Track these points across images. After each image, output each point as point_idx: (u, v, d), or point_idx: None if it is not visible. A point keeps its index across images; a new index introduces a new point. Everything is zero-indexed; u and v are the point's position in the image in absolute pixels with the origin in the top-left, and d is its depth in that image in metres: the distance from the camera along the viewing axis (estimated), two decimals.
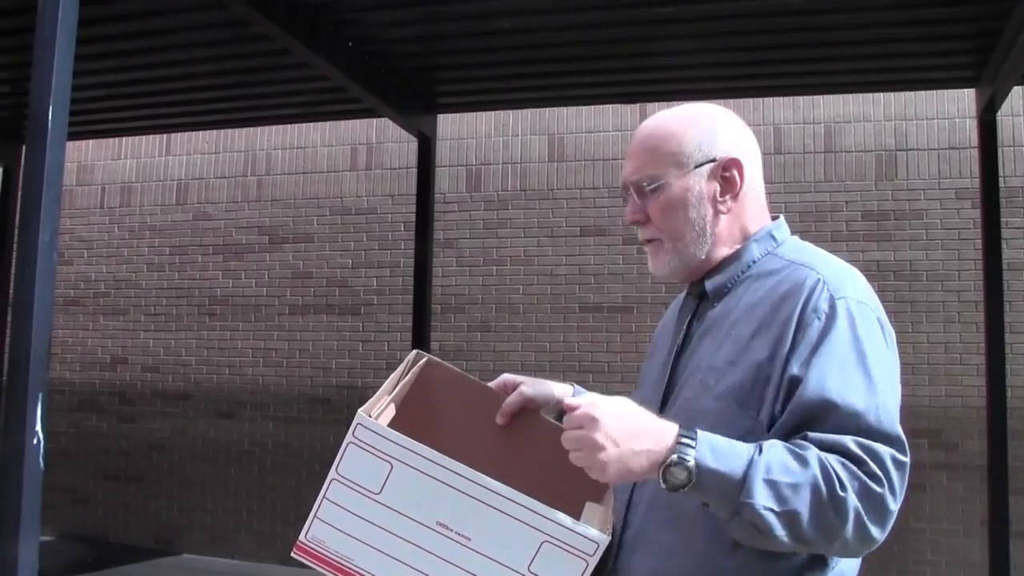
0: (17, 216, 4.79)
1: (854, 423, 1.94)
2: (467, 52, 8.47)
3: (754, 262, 2.34)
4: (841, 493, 1.86)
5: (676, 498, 1.98)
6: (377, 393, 2.28)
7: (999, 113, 8.38)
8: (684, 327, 2.42)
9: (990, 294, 8.20)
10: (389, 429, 2.07)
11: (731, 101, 9.16)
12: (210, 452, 11.01)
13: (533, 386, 2.58)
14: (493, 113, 10.49)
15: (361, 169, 10.94)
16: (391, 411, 2.21)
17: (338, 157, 11.04)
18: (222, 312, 11.23)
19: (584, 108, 10.17)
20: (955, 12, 7.20)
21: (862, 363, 2.02)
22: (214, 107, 10.01)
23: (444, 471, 2.05)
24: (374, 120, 10.66)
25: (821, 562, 2.06)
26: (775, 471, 1.89)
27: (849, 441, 1.92)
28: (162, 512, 11.17)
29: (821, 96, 9.57)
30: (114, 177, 11.88)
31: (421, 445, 2.06)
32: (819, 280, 2.14)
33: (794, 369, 2.04)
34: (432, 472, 2.05)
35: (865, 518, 1.88)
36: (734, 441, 1.96)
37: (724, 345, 2.21)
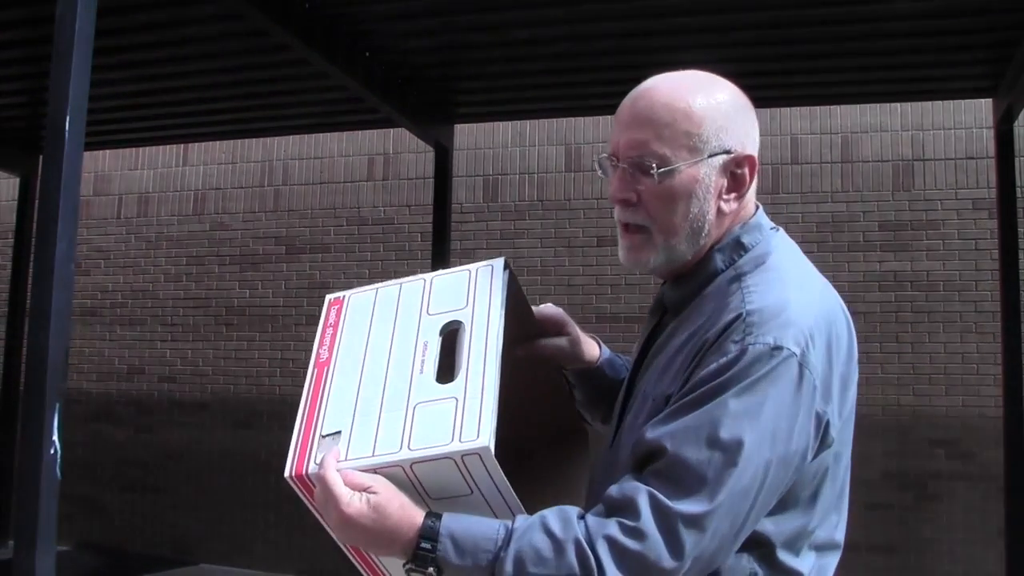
0: (35, 226, 4.78)
1: (674, 472, 1.78)
2: (484, 62, 8.48)
3: (716, 273, 2.07)
4: None
5: None
6: (468, 333, 2.05)
7: (1016, 123, 8.37)
8: (643, 341, 2.27)
9: (1007, 304, 8.18)
10: (503, 477, 1.85)
11: None
12: (227, 462, 11.01)
13: (573, 342, 2.45)
14: (510, 123, 10.49)
15: (378, 179, 10.95)
16: (493, 419, 1.90)
17: (355, 167, 11.05)
18: (239, 322, 11.24)
19: (601, 118, 10.15)
20: (972, 22, 7.19)
21: (727, 417, 1.78)
22: (231, 117, 10.03)
23: (507, 512, 1.90)
24: (391, 130, 10.66)
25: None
26: (527, 563, 1.76)
27: (643, 494, 1.77)
28: (179, 522, 11.17)
29: (838, 106, 9.55)
30: (131, 187, 11.90)
31: (516, 498, 1.89)
32: (739, 315, 1.89)
33: (671, 393, 1.92)
34: (498, 509, 1.90)
35: None
36: (484, 523, 1.84)
37: (665, 374, 2.02)
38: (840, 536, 2.07)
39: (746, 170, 2.07)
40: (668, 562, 1.73)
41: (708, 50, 7.80)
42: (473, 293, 2.10)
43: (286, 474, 2.09)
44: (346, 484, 1.91)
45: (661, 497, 1.76)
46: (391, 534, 1.87)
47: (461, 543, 1.82)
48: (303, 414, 2.15)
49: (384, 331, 2.14)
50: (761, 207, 2.17)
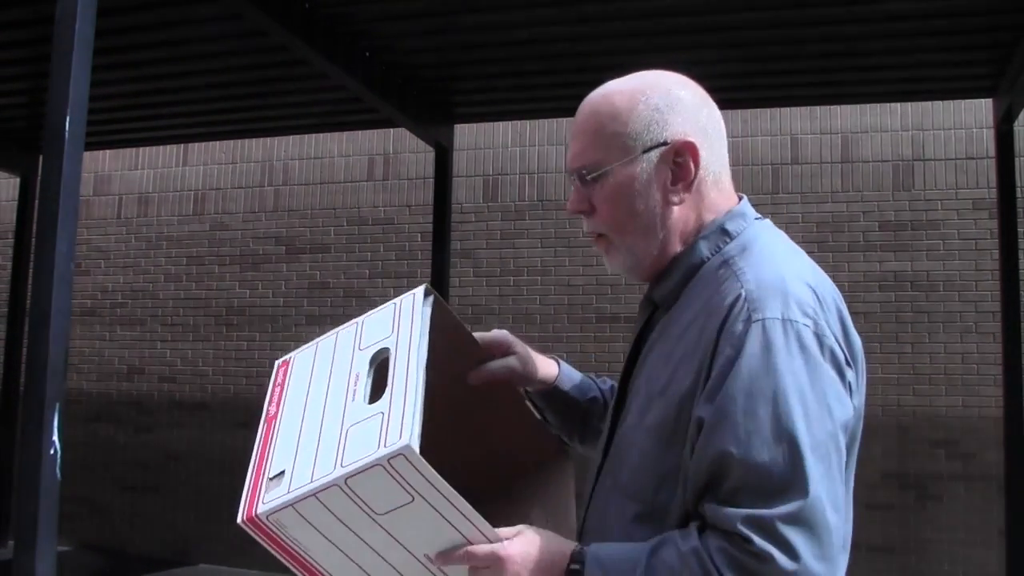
0: (34, 226, 4.78)
1: (755, 479, 1.75)
2: (484, 62, 8.48)
3: (702, 262, 2.04)
4: None
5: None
6: (394, 356, 2.07)
7: (1016, 123, 8.37)
8: (633, 343, 2.24)
9: (1007, 304, 8.19)
10: (435, 474, 1.86)
11: (748, 111, 9.19)
12: (227, 462, 11.00)
13: (523, 360, 2.41)
14: (510, 123, 10.49)
15: (378, 179, 10.95)
16: (417, 418, 1.92)
17: (355, 167, 11.05)
18: (239, 322, 11.24)
19: None
20: (972, 23, 7.20)
21: (771, 402, 1.77)
22: (231, 117, 10.05)
23: (463, 520, 1.92)
24: (391, 130, 10.67)
25: None
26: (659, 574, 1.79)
27: (740, 520, 1.73)
28: (179, 523, 11.17)
29: (838, 106, 9.55)
30: (131, 187, 11.90)
31: (459, 497, 1.89)
32: (739, 296, 1.87)
33: (699, 410, 1.86)
34: (451, 518, 1.91)
35: None
36: (630, 547, 1.87)
37: (663, 367, 2.01)
38: (850, 535, 2.00)
39: (688, 157, 2.03)
40: (789, 565, 1.71)
41: (708, 50, 7.82)
42: (398, 321, 2.12)
43: (239, 520, 2.04)
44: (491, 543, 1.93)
45: (756, 512, 1.74)
46: (552, 563, 1.90)
47: (607, 566, 1.85)
48: (253, 463, 2.17)
49: (323, 376, 2.16)
50: (745, 197, 2.15)
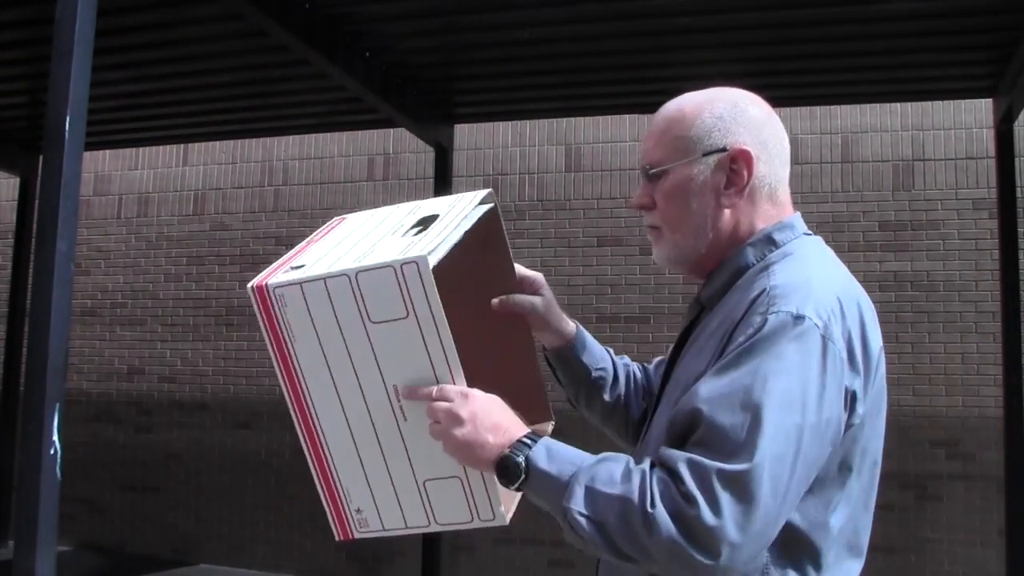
0: (34, 226, 4.78)
1: (713, 437, 1.83)
2: (484, 62, 8.48)
3: (748, 267, 2.16)
4: (650, 509, 1.80)
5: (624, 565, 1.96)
6: (441, 217, 2.24)
7: (1016, 123, 8.37)
8: (679, 338, 2.35)
9: (1007, 304, 8.20)
10: (436, 293, 1.99)
11: None
12: (227, 462, 11.01)
13: (548, 307, 2.57)
14: (510, 123, 10.48)
15: (378, 179, 10.94)
16: (444, 249, 2.10)
17: (355, 167, 11.05)
18: (239, 322, 11.23)
19: (601, 118, 10.16)
20: (972, 22, 7.20)
21: (753, 375, 1.85)
22: (231, 117, 10.05)
23: (442, 357, 2.04)
24: (391, 130, 10.67)
25: None
26: (598, 480, 1.89)
27: (682, 460, 1.83)
28: (179, 522, 11.18)
29: (838, 106, 9.55)
30: (131, 187, 11.90)
31: (447, 329, 2.02)
32: (764, 290, 1.99)
33: (704, 370, 2.00)
34: (432, 350, 2.03)
35: (679, 538, 1.78)
36: (581, 452, 1.99)
37: (695, 361, 2.11)
38: (865, 541, 2.09)
39: (743, 165, 2.16)
40: (710, 519, 1.77)
41: (709, 50, 7.82)
42: (454, 203, 2.32)
43: (249, 285, 2.20)
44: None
45: (699, 458, 1.82)
46: (508, 429, 2.04)
47: (555, 453, 1.98)
48: (282, 260, 2.31)
49: (373, 224, 2.41)
50: (799, 214, 2.28)
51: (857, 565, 2.06)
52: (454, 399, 2.03)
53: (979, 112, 9.23)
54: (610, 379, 2.65)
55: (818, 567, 1.98)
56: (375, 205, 9.14)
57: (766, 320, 1.90)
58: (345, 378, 2.13)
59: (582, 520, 1.88)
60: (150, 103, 9.57)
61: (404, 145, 10.77)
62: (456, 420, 2.02)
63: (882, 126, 9.54)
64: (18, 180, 11.52)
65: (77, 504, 11.14)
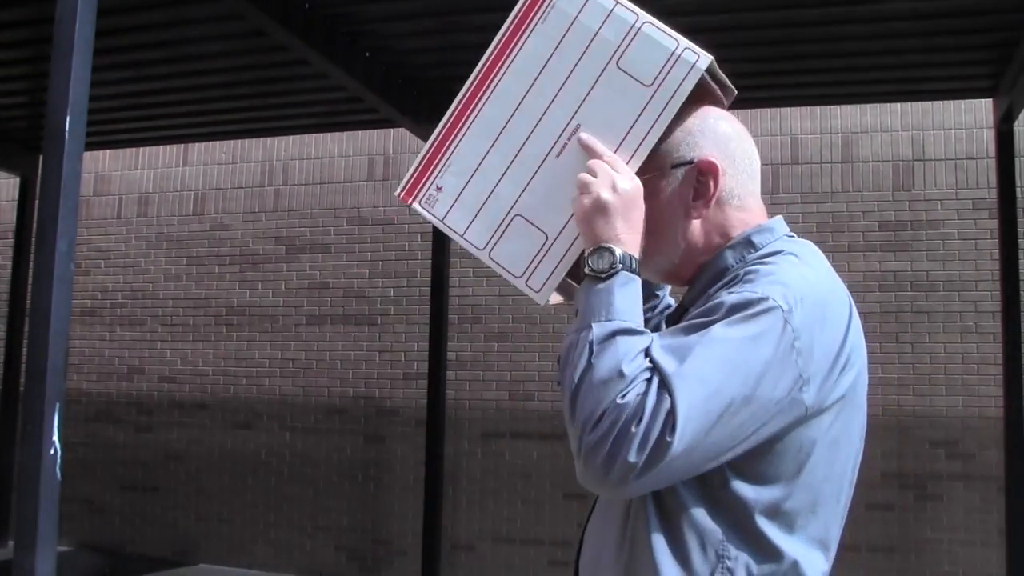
0: (34, 226, 4.79)
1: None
2: None
3: (727, 269, 2.15)
4: (619, 400, 1.84)
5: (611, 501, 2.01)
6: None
7: (1016, 123, 8.37)
8: None
9: (1007, 304, 8.20)
10: (687, 93, 2.08)
11: (748, 111, 9.19)
12: (227, 462, 11.02)
13: None
14: None
15: (378, 179, 10.94)
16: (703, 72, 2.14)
17: (355, 167, 11.05)
18: (239, 322, 11.24)
19: None
20: (972, 23, 7.20)
21: (704, 341, 1.87)
22: (231, 117, 10.05)
23: (637, 142, 2.10)
24: (391, 130, 10.67)
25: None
26: (621, 342, 1.92)
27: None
28: (179, 522, 11.18)
29: (838, 106, 9.55)
30: (131, 187, 11.90)
31: (664, 127, 2.09)
32: (736, 276, 2.06)
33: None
34: (638, 127, 2.09)
35: (610, 436, 1.82)
36: (640, 309, 2.03)
37: None
38: (832, 536, 2.07)
39: (709, 178, 2.16)
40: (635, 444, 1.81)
41: (708, 50, 7.80)
42: (663, 76, 2.16)
43: None
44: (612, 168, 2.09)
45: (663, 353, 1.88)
46: (634, 235, 2.07)
47: (630, 291, 2.02)
48: None
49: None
50: (780, 218, 2.26)
51: (821, 559, 2.03)
52: (622, 173, 2.07)
53: (979, 112, 9.22)
54: (661, 305, 2.65)
55: (774, 550, 1.96)
56: (375, 205, 9.14)
57: (729, 298, 1.93)
58: (544, 89, 2.17)
59: (585, 345, 1.93)
60: (150, 103, 9.57)
61: (404, 145, 10.76)
62: (610, 187, 2.04)
63: (882, 126, 9.54)
64: (18, 180, 11.52)
65: (77, 504, 11.15)
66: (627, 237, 2.04)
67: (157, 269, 11.66)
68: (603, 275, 2.00)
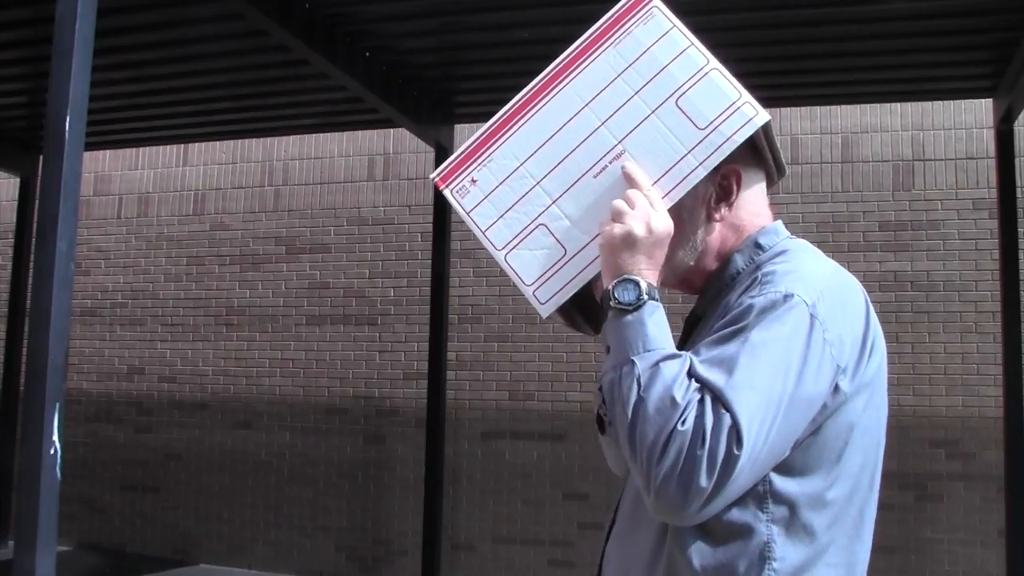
0: (34, 226, 4.79)
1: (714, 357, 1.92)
2: (485, 62, 8.48)
3: (738, 273, 2.21)
4: (680, 428, 1.84)
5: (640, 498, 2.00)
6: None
7: (1016, 123, 8.37)
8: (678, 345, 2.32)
9: (1007, 304, 8.20)
10: (735, 146, 2.11)
11: None
12: (227, 462, 11.02)
13: None
14: None
15: (378, 179, 10.94)
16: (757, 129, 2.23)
17: (355, 167, 11.05)
18: (239, 322, 11.24)
19: None
20: (972, 23, 7.20)
21: (746, 348, 1.90)
22: (231, 117, 10.05)
23: (676, 182, 2.12)
24: (391, 130, 10.67)
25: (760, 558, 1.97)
26: (664, 369, 1.92)
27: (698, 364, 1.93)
28: (179, 522, 11.18)
29: (838, 106, 9.55)
30: (131, 187, 11.90)
31: (703, 174, 2.11)
32: (755, 279, 2.07)
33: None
34: (679, 168, 2.12)
35: (679, 467, 1.82)
36: (667, 337, 2.02)
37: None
38: (869, 524, 2.10)
39: (732, 181, 2.21)
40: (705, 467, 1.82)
41: (709, 50, 7.80)
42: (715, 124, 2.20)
43: None
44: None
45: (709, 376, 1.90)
46: (654, 266, 2.10)
47: (659, 320, 2.03)
48: None
49: None
50: (780, 220, 2.31)
51: (863, 549, 2.07)
52: (658, 211, 2.08)
53: (979, 112, 9.22)
54: None
55: (820, 545, 1.98)
56: (375, 205, 9.16)
57: (756, 301, 1.96)
58: (599, 109, 2.24)
59: (632, 380, 1.93)
60: (150, 103, 9.57)
61: (404, 145, 10.76)
62: (645, 223, 2.05)
63: (882, 126, 9.54)
64: (18, 180, 11.52)
65: (77, 504, 11.15)
66: (648, 273, 2.06)
67: (157, 269, 11.66)
68: (631, 307, 2.01)
